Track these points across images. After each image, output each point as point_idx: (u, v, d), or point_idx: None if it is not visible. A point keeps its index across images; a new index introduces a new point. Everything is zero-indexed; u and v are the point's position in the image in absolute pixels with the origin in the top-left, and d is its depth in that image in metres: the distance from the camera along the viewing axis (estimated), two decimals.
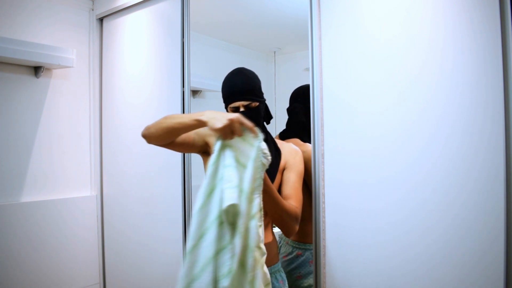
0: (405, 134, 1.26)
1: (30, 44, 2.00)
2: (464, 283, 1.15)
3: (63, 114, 2.31)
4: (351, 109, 1.38)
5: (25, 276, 2.08)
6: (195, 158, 1.83)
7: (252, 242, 1.06)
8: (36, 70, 2.17)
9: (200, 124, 1.17)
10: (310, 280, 1.63)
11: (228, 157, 1.11)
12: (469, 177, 1.14)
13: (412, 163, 1.25)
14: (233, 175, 1.07)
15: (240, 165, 1.11)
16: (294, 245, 1.70)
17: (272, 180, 1.38)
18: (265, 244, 1.25)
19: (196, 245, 1.06)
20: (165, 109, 2.04)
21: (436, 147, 1.20)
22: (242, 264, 1.05)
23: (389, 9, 1.30)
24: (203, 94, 2.22)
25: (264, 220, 1.28)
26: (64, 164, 2.31)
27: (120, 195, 2.32)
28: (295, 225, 1.33)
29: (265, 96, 1.46)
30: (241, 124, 1.11)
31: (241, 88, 1.37)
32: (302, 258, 1.66)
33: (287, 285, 1.49)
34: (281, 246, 1.78)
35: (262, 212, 1.16)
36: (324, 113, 1.45)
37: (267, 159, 1.15)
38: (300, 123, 1.69)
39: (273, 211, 1.30)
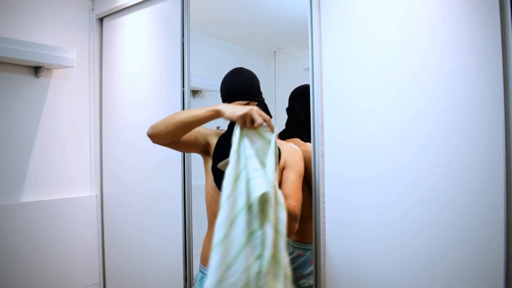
0: (405, 132, 1.26)
1: (30, 44, 2.00)
2: (465, 279, 1.15)
3: (63, 114, 2.31)
4: (351, 109, 1.38)
5: (25, 276, 2.08)
6: (195, 158, 1.83)
7: (283, 229, 1.10)
8: (36, 70, 2.17)
9: (217, 114, 1.20)
10: (311, 281, 1.62)
11: (248, 147, 1.15)
12: (469, 173, 1.14)
13: (411, 160, 1.25)
14: (257, 165, 1.11)
15: (258, 155, 1.15)
16: (295, 245, 1.70)
17: None
18: None
19: (227, 233, 1.08)
20: (165, 109, 2.04)
21: (436, 144, 1.20)
22: (275, 251, 1.09)
23: (389, 8, 1.30)
24: (203, 94, 2.22)
25: None
26: (64, 164, 2.31)
27: (120, 195, 2.33)
28: (294, 224, 1.33)
29: (265, 96, 1.46)
30: (259, 115, 1.15)
31: (240, 87, 1.37)
32: (302, 258, 1.66)
33: None
34: None
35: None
36: (324, 113, 1.45)
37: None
38: (300, 123, 1.68)
39: None
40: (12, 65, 2.08)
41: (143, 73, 2.17)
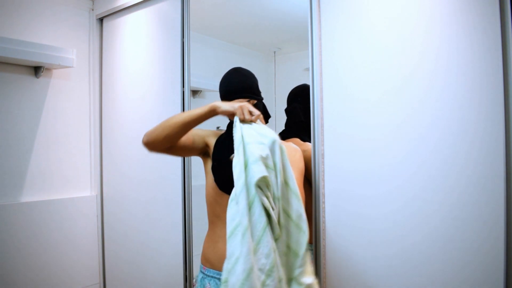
0: (405, 133, 1.26)
1: (30, 44, 2.01)
2: (465, 270, 1.16)
3: (63, 114, 2.31)
4: (351, 109, 1.38)
5: (25, 276, 2.08)
6: (195, 158, 1.82)
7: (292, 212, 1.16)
8: (36, 70, 2.17)
9: (213, 110, 1.23)
10: None
11: (247, 135, 1.18)
12: (468, 165, 1.15)
13: (413, 171, 1.25)
14: (256, 150, 1.14)
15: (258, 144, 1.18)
16: None
17: None
18: None
19: (249, 220, 1.10)
20: (165, 109, 2.04)
21: (434, 136, 1.21)
22: (296, 224, 1.15)
23: (388, 8, 1.30)
24: (203, 94, 2.22)
25: None
26: (64, 164, 2.31)
27: (120, 195, 2.33)
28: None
29: (264, 96, 1.46)
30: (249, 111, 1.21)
31: (239, 86, 1.37)
32: None
33: None
34: None
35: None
36: (324, 113, 1.45)
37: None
38: (299, 122, 1.68)
39: None
40: (12, 65, 2.09)
41: (143, 73, 2.17)
